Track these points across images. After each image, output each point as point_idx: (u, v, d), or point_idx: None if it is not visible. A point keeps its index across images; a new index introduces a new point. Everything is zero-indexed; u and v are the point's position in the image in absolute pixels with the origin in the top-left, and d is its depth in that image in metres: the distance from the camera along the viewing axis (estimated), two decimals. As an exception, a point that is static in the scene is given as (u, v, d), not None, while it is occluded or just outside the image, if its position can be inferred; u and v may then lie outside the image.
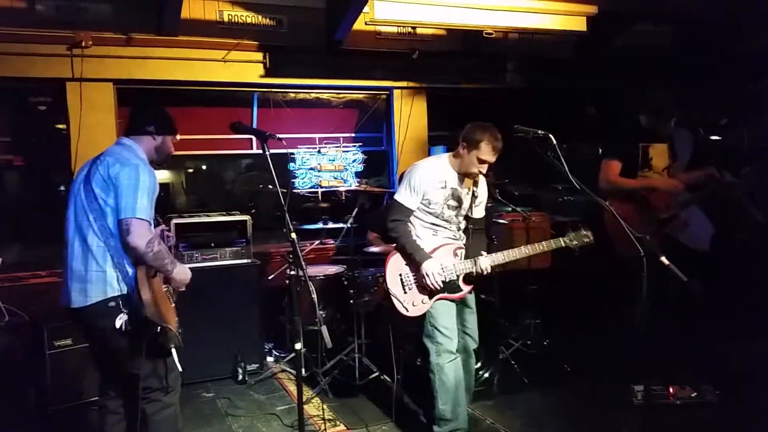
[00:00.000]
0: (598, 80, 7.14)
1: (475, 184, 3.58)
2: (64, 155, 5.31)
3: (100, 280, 2.75)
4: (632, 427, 3.54)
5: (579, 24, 5.94)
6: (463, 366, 3.62)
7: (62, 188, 5.79)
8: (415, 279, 3.50)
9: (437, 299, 3.49)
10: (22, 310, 4.44)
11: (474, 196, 3.59)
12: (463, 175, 3.52)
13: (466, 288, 3.55)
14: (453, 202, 3.54)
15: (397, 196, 3.57)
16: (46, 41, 5.11)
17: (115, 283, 2.75)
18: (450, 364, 3.45)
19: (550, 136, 3.09)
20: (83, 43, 5.15)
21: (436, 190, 3.50)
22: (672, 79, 6.45)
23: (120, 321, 2.71)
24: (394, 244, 3.59)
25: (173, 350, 2.83)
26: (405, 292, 3.50)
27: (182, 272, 2.93)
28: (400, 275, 3.52)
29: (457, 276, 3.50)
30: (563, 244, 3.50)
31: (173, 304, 2.95)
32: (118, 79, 5.45)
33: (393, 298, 3.49)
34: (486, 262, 3.45)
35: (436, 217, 3.54)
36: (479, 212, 3.68)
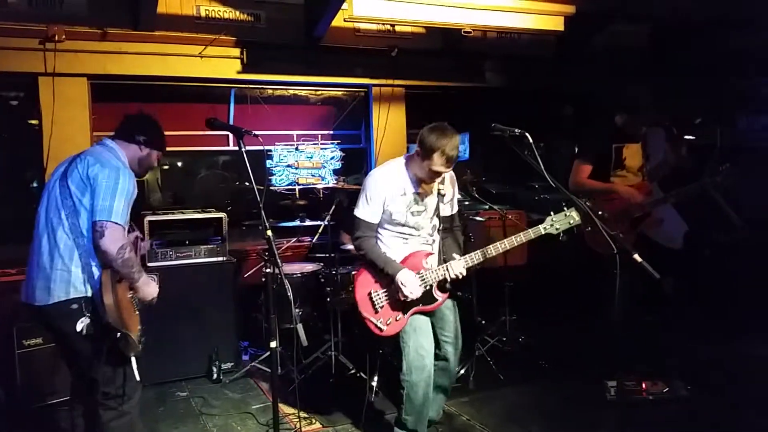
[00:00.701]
0: (576, 80, 7.20)
1: (442, 181, 3.33)
2: (36, 151, 5.22)
3: (64, 279, 2.71)
4: (607, 423, 3.59)
5: (557, 24, 5.97)
6: (441, 372, 3.47)
7: (35, 185, 5.70)
8: (386, 296, 3.33)
9: (412, 313, 3.32)
10: (-9, 309, 4.37)
11: (440, 195, 3.35)
12: (420, 181, 3.31)
13: (441, 296, 3.34)
14: (417, 207, 3.34)
15: (356, 212, 3.38)
16: (18, 35, 5.00)
17: (79, 284, 2.70)
18: (420, 381, 3.29)
19: (527, 134, 3.10)
20: (56, 37, 5.05)
21: (396, 198, 3.31)
22: (648, 79, 6.53)
23: (81, 324, 2.67)
24: (362, 261, 3.43)
25: (133, 359, 2.78)
26: (376, 312, 3.33)
27: (148, 286, 2.89)
28: (369, 294, 3.35)
29: (431, 285, 3.31)
30: (543, 232, 3.24)
31: (137, 313, 2.88)
32: (93, 74, 5.36)
33: (366, 320, 3.34)
34: (459, 265, 3.26)
35: (403, 226, 3.36)
36: (448, 210, 3.48)
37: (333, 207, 4.93)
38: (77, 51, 5.23)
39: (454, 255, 3.35)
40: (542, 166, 3.08)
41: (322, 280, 4.91)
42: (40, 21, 5.05)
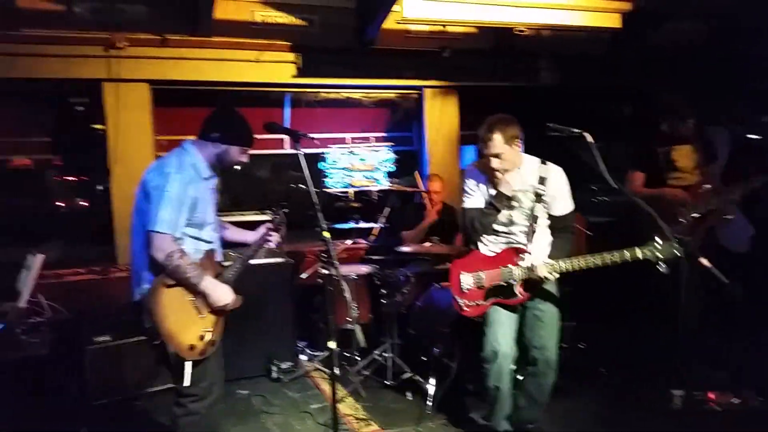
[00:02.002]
0: (633, 78, 7.03)
1: (542, 181, 3.31)
2: (100, 155, 5.41)
3: (137, 281, 2.81)
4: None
5: (613, 21, 5.86)
6: (531, 378, 3.49)
7: (99, 187, 5.91)
8: (473, 280, 3.44)
9: (492, 303, 3.41)
10: (62, 306, 4.56)
11: (537, 195, 3.32)
12: (495, 179, 3.34)
13: (521, 295, 3.34)
14: (507, 202, 3.36)
15: (463, 204, 3.53)
16: (83, 43, 5.22)
17: (145, 286, 2.77)
18: (491, 373, 3.38)
19: (585, 134, 3.03)
20: (119, 44, 5.24)
21: (482, 193, 3.44)
22: (708, 77, 6.33)
23: (147, 323, 2.75)
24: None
25: (187, 364, 2.78)
26: (462, 292, 3.46)
27: (214, 291, 2.85)
28: (459, 275, 3.48)
29: (514, 281, 3.33)
30: (640, 256, 3.06)
31: (204, 317, 2.86)
32: (154, 80, 5.53)
33: (453, 298, 3.50)
34: (543, 269, 3.22)
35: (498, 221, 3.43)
36: (552, 211, 3.40)
37: (387, 209, 4.95)
38: (138, 57, 5.41)
39: (546, 259, 3.31)
40: (603, 167, 3.02)
41: (378, 282, 4.92)
42: (103, 29, 5.25)
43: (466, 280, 3.46)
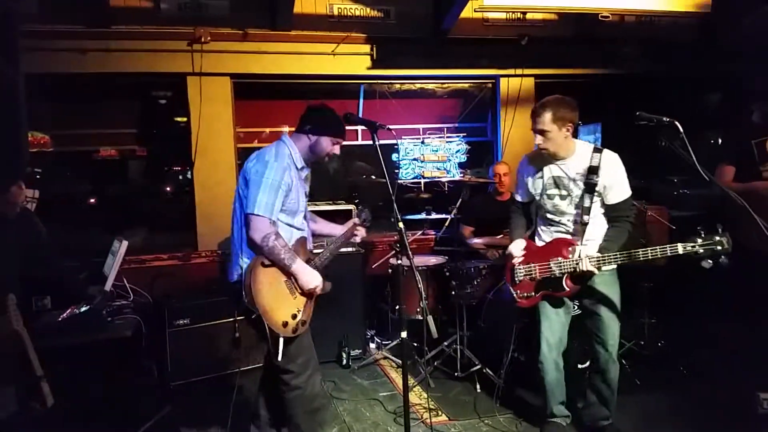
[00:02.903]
0: (725, 65, 6.62)
1: (594, 170, 3.25)
2: (183, 146, 5.65)
3: (236, 262, 3.01)
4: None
5: (703, 5, 5.53)
6: (595, 375, 3.55)
7: (180, 177, 6.18)
8: (525, 272, 3.50)
9: (542, 295, 3.48)
10: (145, 291, 4.81)
11: (588, 183, 3.26)
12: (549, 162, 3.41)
13: (570, 287, 3.34)
14: (555, 191, 3.40)
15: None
16: (169, 38, 5.44)
17: (244, 265, 2.95)
18: (543, 364, 3.52)
19: (677, 123, 2.90)
20: (203, 39, 5.43)
21: (533, 180, 3.49)
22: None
23: (246, 298, 2.90)
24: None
25: (281, 339, 2.91)
26: (515, 283, 3.56)
27: (304, 274, 2.99)
28: (513, 266, 3.56)
29: (562, 274, 3.34)
30: (681, 252, 3.02)
31: (296, 298, 3.02)
32: (235, 74, 5.70)
33: (509, 288, 3.61)
34: (589, 263, 3.20)
35: (544, 209, 3.49)
36: (607, 199, 3.32)
37: (459, 200, 4.91)
38: (221, 51, 5.58)
39: (589, 253, 3.25)
40: (694, 158, 2.88)
41: (447, 273, 4.89)
42: (187, 24, 5.45)
43: (519, 271, 3.53)
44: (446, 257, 5.11)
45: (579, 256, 3.24)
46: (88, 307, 3.88)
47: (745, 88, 6.53)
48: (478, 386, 4.34)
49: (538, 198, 3.50)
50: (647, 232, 4.83)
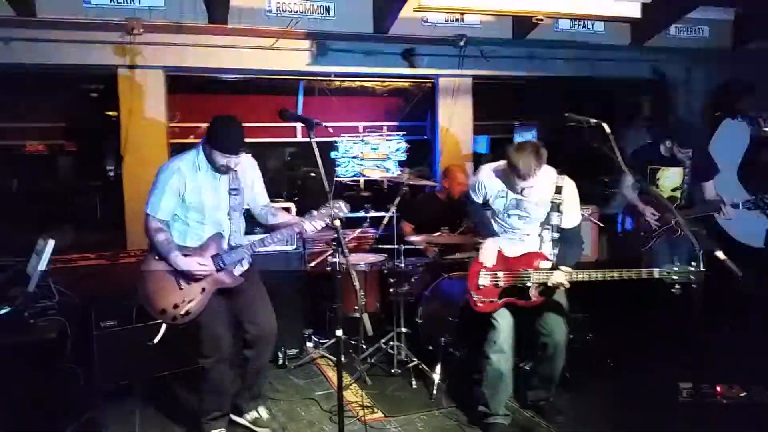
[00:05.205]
0: (653, 68, 6.91)
1: (559, 190, 3.38)
2: (114, 141, 5.45)
3: None
4: (678, 426, 3.44)
5: (633, 10, 5.74)
6: (541, 366, 3.71)
7: (111, 174, 5.98)
8: (490, 278, 3.52)
9: (504, 302, 3.50)
10: (72, 292, 4.60)
11: (554, 203, 3.39)
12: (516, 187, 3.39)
13: (535, 298, 3.41)
14: (517, 212, 3.47)
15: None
16: (99, 29, 5.23)
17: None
18: (494, 363, 3.53)
19: (604, 125, 3.00)
20: (135, 31, 5.25)
21: (496, 198, 3.53)
22: (730, 67, 6.20)
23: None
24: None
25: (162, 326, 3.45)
26: (478, 288, 3.55)
27: (178, 264, 3.24)
28: (479, 271, 3.56)
29: (531, 284, 3.39)
30: (657, 276, 3.09)
31: (182, 289, 3.30)
32: (169, 67, 5.54)
33: (468, 292, 3.60)
34: (561, 276, 3.27)
35: (506, 225, 3.56)
36: (565, 222, 3.43)
37: (398, 198, 4.92)
38: (154, 44, 5.42)
39: (562, 267, 3.35)
40: (620, 158, 2.98)
41: (386, 271, 4.91)
42: (119, 15, 5.26)
43: (484, 277, 3.53)
44: (385, 255, 5.12)
45: (553, 270, 3.31)
46: (9, 308, 3.69)
47: (671, 92, 6.86)
48: (414, 382, 4.36)
49: (497, 213, 3.57)
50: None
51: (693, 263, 2.95)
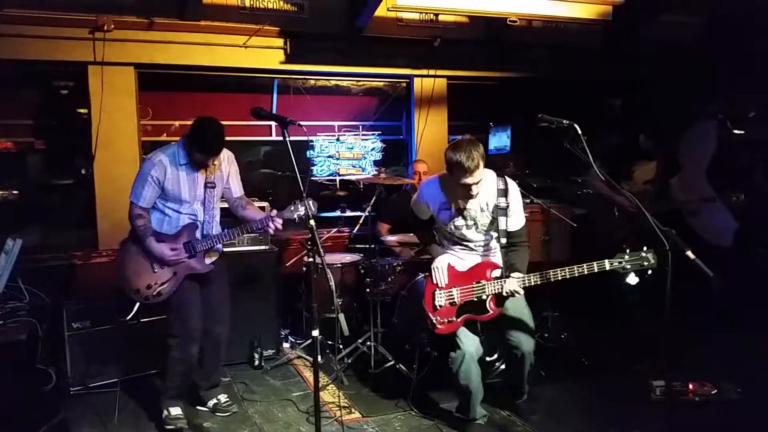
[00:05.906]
0: (625, 71, 7.01)
1: (503, 193, 3.38)
2: (84, 139, 5.34)
3: None
4: (651, 423, 3.50)
5: (605, 13, 5.84)
6: (509, 372, 3.79)
7: (83, 171, 5.84)
8: (446, 297, 3.47)
9: (464, 319, 3.45)
10: (42, 292, 4.50)
11: (498, 208, 3.37)
12: (458, 196, 3.39)
13: (493, 310, 3.38)
14: (462, 222, 3.46)
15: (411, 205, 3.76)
16: (68, 24, 5.11)
17: None
18: (462, 369, 3.46)
19: (575, 126, 3.03)
20: (105, 27, 5.14)
21: (440, 211, 3.51)
22: (700, 71, 6.33)
23: None
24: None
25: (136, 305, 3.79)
26: (435, 309, 3.49)
27: (152, 249, 3.52)
28: (433, 292, 3.51)
29: (487, 296, 3.37)
30: (608, 267, 3.06)
31: (156, 272, 3.57)
32: (140, 63, 5.44)
33: (425, 314, 3.53)
34: (514, 283, 3.27)
35: (453, 236, 3.54)
36: (510, 225, 3.41)
37: (373, 198, 4.92)
38: (125, 40, 5.31)
39: (514, 273, 3.33)
40: (591, 159, 3.02)
41: (362, 271, 4.91)
42: (89, 11, 5.14)
43: (440, 296, 3.48)
44: (361, 255, 5.12)
45: (504, 278, 3.30)
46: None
47: (643, 93, 6.97)
48: (391, 382, 4.37)
49: (442, 225, 3.55)
50: (550, 230, 5.04)
51: (644, 248, 2.97)
